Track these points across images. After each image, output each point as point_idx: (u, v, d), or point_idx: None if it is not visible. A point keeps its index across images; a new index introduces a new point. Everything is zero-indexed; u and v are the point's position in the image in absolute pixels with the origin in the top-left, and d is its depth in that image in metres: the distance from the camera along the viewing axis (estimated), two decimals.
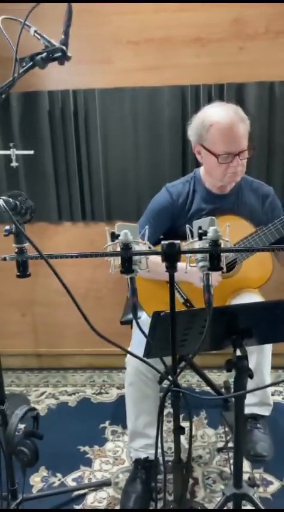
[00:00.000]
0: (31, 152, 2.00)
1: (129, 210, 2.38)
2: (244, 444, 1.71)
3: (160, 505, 1.54)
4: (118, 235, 0.95)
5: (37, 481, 1.84)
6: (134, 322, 1.00)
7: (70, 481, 1.84)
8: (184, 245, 0.99)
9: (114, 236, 0.96)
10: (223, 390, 2.27)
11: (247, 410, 1.84)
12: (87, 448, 2.01)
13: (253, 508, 1.53)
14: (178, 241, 0.95)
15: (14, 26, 1.14)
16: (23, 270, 0.96)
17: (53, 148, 2.35)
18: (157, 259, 1.01)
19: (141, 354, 1.16)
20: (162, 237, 1.77)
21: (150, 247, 0.99)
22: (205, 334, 1.00)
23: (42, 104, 2.28)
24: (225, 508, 1.51)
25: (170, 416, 2.04)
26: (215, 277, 1.65)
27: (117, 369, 2.60)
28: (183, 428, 1.12)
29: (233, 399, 1.33)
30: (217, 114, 1.63)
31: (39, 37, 1.22)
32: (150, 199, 1.88)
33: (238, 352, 1.23)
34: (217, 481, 1.80)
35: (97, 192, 2.40)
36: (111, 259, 1.00)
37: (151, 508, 1.67)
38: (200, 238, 0.96)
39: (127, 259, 0.94)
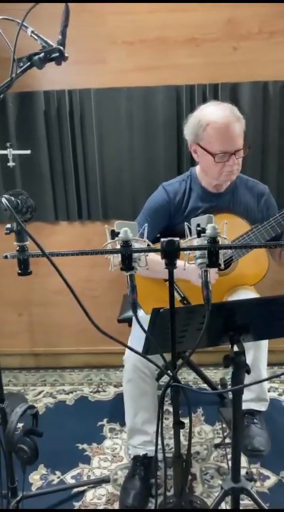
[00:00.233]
0: (28, 152, 2.01)
1: (125, 209, 2.39)
2: (241, 439, 1.74)
3: (159, 500, 1.55)
4: (118, 233, 0.97)
5: (36, 478, 1.85)
6: (134, 318, 1.01)
7: (69, 478, 1.85)
8: (183, 242, 1.01)
9: (114, 234, 0.97)
10: (219, 387, 2.30)
11: (244, 406, 1.86)
12: (85, 446, 2.02)
13: (251, 501, 1.56)
14: (177, 239, 0.97)
15: (11, 27, 1.15)
16: (24, 268, 0.97)
17: (49, 148, 2.36)
18: (155, 257, 1.02)
19: (140, 350, 1.17)
20: (158, 235, 1.79)
21: (149, 245, 1.01)
22: (204, 330, 1.02)
23: (38, 104, 2.29)
24: (223, 502, 1.54)
25: (167, 414, 2.07)
26: (212, 274, 1.67)
27: (114, 367, 2.61)
28: (182, 423, 1.13)
29: (230, 395, 1.34)
30: (213, 114, 1.65)
31: (36, 37, 1.23)
32: (146, 198, 1.90)
33: (236, 348, 1.25)
34: (214, 477, 1.82)
35: (94, 191, 2.41)
36: (110, 257, 1.01)
37: (150, 503, 1.69)
38: (198, 236, 0.98)
39: (127, 256, 0.96)
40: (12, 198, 0.92)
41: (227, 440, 1.96)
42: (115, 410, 2.24)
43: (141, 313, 1.80)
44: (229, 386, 1.34)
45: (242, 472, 1.47)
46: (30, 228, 0.96)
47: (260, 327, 1.34)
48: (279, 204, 1.89)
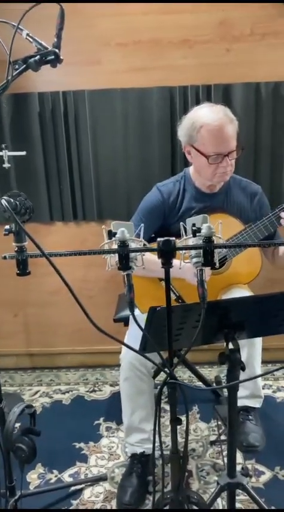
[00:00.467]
0: (23, 153, 2.02)
1: (120, 209, 2.41)
2: (237, 435, 1.76)
3: (157, 496, 1.58)
4: (115, 233, 0.98)
5: (34, 477, 1.86)
6: (131, 316, 1.03)
7: (66, 477, 1.87)
8: (179, 242, 1.03)
9: (111, 234, 0.99)
10: (214, 385, 2.32)
11: (239, 403, 1.88)
12: (82, 445, 2.04)
13: (247, 497, 1.59)
14: (173, 238, 0.99)
15: (6, 29, 1.16)
16: (23, 268, 0.99)
17: (43, 150, 2.37)
18: (151, 257, 1.04)
19: (136, 349, 1.19)
20: (153, 235, 1.81)
21: (145, 245, 1.02)
22: (200, 327, 1.04)
23: (33, 105, 2.30)
24: (219, 497, 1.56)
25: (163, 412, 2.09)
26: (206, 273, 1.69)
27: (110, 366, 2.63)
28: (179, 420, 1.15)
29: (226, 393, 1.37)
30: (207, 116, 1.67)
31: (31, 40, 1.24)
32: (140, 198, 1.92)
33: (231, 346, 1.27)
34: (210, 473, 1.85)
35: (88, 192, 2.42)
36: (107, 257, 1.03)
37: (147, 501, 1.71)
38: (194, 235, 1.00)
39: (125, 256, 0.98)
40: (11, 200, 0.94)
41: (223, 437, 1.99)
42: (111, 409, 2.26)
43: (136, 312, 1.82)
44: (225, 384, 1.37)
45: (238, 468, 1.49)
46: (26, 228, 0.98)
47: (255, 325, 1.36)
48: (272, 203, 1.92)
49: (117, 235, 0.98)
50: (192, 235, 1.01)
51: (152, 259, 1.07)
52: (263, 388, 2.29)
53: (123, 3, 2.19)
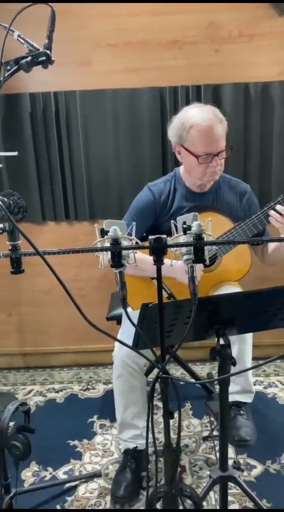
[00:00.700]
0: (15, 154, 2.03)
1: (112, 209, 2.43)
2: (228, 429, 1.80)
3: (150, 491, 1.60)
4: (108, 232, 1.00)
5: (28, 475, 1.88)
6: (123, 313, 1.05)
7: (61, 474, 1.88)
8: (170, 240, 1.05)
9: (103, 232, 1.01)
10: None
11: (231, 398, 1.92)
12: (76, 442, 2.06)
13: (239, 490, 1.62)
14: (165, 236, 1.01)
15: None
16: (17, 266, 1.00)
17: (35, 150, 2.38)
18: (143, 256, 1.06)
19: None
20: (145, 234, 1.83)
21: (137, 243, 1.05)
22: (191, 323, 1.06)
23: (24, 105, 2.31)
24: (212, 491, 1.59)
25: (156, 409, 2.12)
26: (198, 271, 1.72)
27: (103, 365, 2.65)
28: (172, 414, 1.17)
29: (217, 388, 1.39)
30: (196, 116, 1.69)
31: (22, 41, 1.26)
32: (132, 198, 1.94)
33: (222, 341, 1.30)
34: (203, 468, 1.87)
35: (80, 192, 2.44)
36: (100, 255, 1.05)
37: (141, 496, 1.74)
38: (184, 233, 1.02)
39: (117, 253, 1.00)
40: (5, 199, 0.96)
41: (215, 433, 2.02)
42: (105, 407, 2.28)
43: (129, 310, 1.84)
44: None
45: (230, 462, 1.52)
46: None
47: (245, 320, 1.39)
48: (261, 202, 1.95)
49: (109, 233, 1.00)
50: (182, 233, 1.04)
51: (144, 258, 1.09)
52: (254, 385, 2.33)
53: (113, 3, 2.21)
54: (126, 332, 1.64)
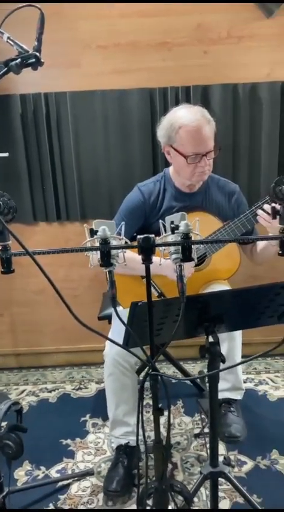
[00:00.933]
0: (5, 154, 2.04)
1: (103, 209, 2.45)
2: (219, 427, 1.82)
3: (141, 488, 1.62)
4: (97, 232, 1.02)
5: (21, 474, 1.89)
6: (113, 312, 1.07)
7: (54, 473, 1.90)
8: (158, 239, 1.07)
9: (92, 232, 1.03)
10: (198, 380, 2.38)
11: (221, 395, 1.95)
12: (69, 441, 2.07)
13: (230, 486, 1.64)
14: (153, 235, 1.03)
15: None
16: (7, 266, 1.02)
17: (26, 151, 2.39)
18: (132, 255, 1.08)
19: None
20: (135, 234, 1.85)
21: (126, 242, 1.06)
22: (180, 321, 1.08)
23: (15, 107, 2.32)
24: (203, 487, 1.61)
25: (148, 407, 2.14)
26: (188, 269, 1.74)
27: (95, 364, 2.66)
28: (161, 410, 1.19)
29: (207, 385, 1.41)
30: (185, 117, 1.71)
31: (12, 43, 1.27)
32: (122, 198, 1.96)
33: (211, 339, 1.32)
34: (195, 465, 1.90)
35: (71, 192, 2.45)
36: (90, 255, 1.06)
37: (133, 493, 1.75)
38: (172, 232, 1.04)
39: (106, 253, 1.01)
40: None
41: (206, 430, 2.04)
42: (97, 405, 2.29)
43: (119, 308, 1.86)
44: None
45: (221, 458, 1.54)
46: (10, 229, 1.00)
47: (234, 318, 1.41)
48: (250, 202, 1.98)
49: (98, 233, 1.01)
50: (170, 233, 1.06)
51: (133, 257, 1.11)
52: (245, 382, 2.36)
53: (102, 4, 2.22)
54: (117, 331, 1.66)
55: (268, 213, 1.63)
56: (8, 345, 2.72)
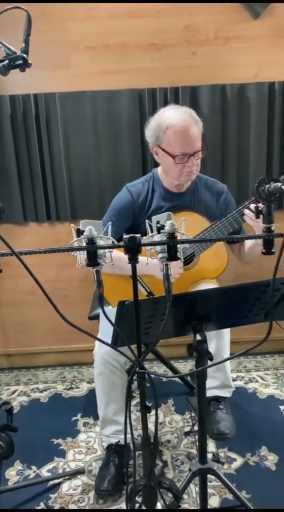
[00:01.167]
0: None
1: (93, 209, 2.46)
2: (208, 425, 1.84)
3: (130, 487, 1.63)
4: (83, 231, 1.03)
5: (12, 474, 1.89)
6: (101, 311, 1.08)
7: (45, 472, 1.90)
8: (145, 239, 1.09)
9: (79, 232, 1.04)
10: (188, 378, 2.40)
11: (210, 393, 1.97)
12: (60, 441, 2.08)
13: (219, 483, 1.66)
14: (139, 235, 1.05)
15: None
16: None
17: (16, 151, 2.40)
18: (120, 254, 1.09)
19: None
20: (124, 234, 1.86)
21: (113, 242, 1.08)
22: (166, 319, 1.10)
23: (4, 107, 2.32)
24: (191, 483, 1.62)
25: (139, 406, 2.15)
26: (176, 269, 1.76)
27: (87, 364, 2.67)
28: (149, 408, 1.21)
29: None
30: (173, 117, 1.73)
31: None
32: (112, 198, 1.97)
33: (198, 337, 1.34)
34: (185, 462, 1.91)
35: (61, 192, 2.46)
36: (77, 254, 1.07)
37: (124, 491, 1.76)
38: (158, 232, 1.06)
39: (93, 252, 1.03)
40: None
41: (196, 428, 2.06)
42: (88, 405, 2.30)
43: (108, 308, 1.87)
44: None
45: (210, 456, 1.56)
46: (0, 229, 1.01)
47: (221, 316, 1.43)
48: (238, 202, 1.99)
49: (84, 233, 1.03)
50: (156, 232, 1.07)
51: (120, 256, 1.12)
52: (235, 380, 2.39)
53: (91, 4, 2.23)
54: (105, 330, 1.67)
55: (254, 212, 1.65)
56: None
